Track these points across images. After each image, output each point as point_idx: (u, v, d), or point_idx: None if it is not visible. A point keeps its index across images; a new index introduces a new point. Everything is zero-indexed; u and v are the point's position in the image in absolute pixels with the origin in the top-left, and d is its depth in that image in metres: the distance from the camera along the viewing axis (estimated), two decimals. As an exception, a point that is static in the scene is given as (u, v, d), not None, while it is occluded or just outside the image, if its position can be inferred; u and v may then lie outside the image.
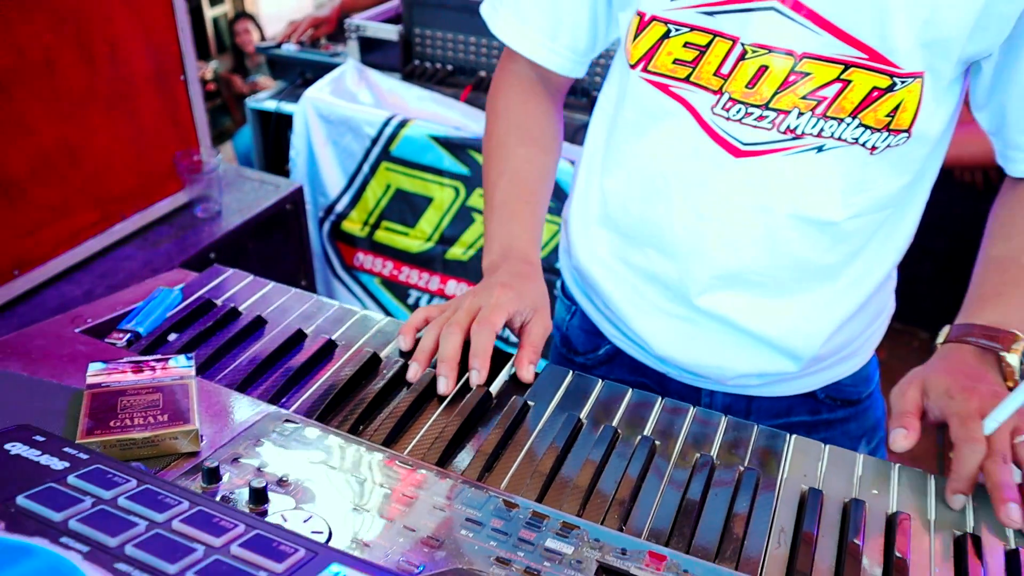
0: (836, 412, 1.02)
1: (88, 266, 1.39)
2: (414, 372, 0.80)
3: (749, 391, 0.99)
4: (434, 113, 2.14)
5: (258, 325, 0.88)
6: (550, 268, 2.06)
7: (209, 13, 4.76)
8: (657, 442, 0.74)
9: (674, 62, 0.82)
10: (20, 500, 0.40)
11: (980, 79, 0.81)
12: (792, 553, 0.64)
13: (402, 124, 2.05)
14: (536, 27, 0.95)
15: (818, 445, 0.76)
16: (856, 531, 0.66)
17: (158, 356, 0.74)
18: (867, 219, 0.86)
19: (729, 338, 0.93)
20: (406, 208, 2.14)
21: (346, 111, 2.09)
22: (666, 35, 0.81)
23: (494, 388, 0.81)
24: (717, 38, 0.79)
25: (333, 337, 0.86)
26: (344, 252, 2.26)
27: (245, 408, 0.72)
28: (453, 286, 2.17)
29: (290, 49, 2.63)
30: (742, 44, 0.77)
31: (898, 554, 0.64)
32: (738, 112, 0.80)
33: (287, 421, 0.70)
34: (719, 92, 0.80)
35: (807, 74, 0.76)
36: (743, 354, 0.93)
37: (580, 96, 2.15)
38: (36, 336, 0.81)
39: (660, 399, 0.80)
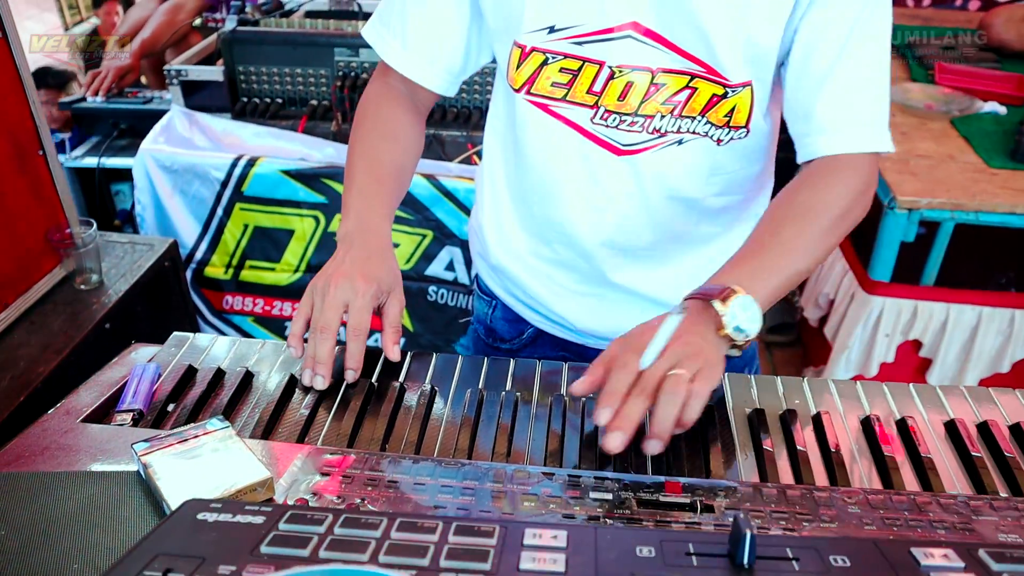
0: None
1: (-18, 362, 1.34)
2: (308, 378, 0.91)
3: None
4: (275, 147, 2.17)
5: (248, 379, 0.95)
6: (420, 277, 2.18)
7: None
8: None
9: (552, 85, 0.98)
10: (264, 549, 0.49)
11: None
12: (759, 459, 0.83)
13: (251, 163, 2.06)
14: (419, 53, 1.07)
15: (746, 377, 0.96)
16: (795, 433, 0.86)
17: (193, 425, 0.79)
18: (727, 198, 1.06)
19: (633, 305, 1.11)
20: (268, 244, 2.16)
21: (190, 158, 2.07)
22: (544, 63, 0.97)
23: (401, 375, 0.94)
24: (586, 63, 0.95)
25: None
26: (211, 298, 2.24)
27: (283, 452, 0.79)
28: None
29: (96, 101, 2.51)
30: (609, 67, 0.94)
31: (832, 448, 0.84)
32: (614, 120, 0.97)
33: (330, 454, 0.79)
34: (595, 107, 0.97)
35: (663, 84, 0.94)
36: (645, 317, 1.11)
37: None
38: (41, 435, 0.83)
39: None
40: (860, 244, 2.28)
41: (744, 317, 0.82)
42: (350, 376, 0.92)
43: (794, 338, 2.89)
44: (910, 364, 2.24)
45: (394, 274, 1.00)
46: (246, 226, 2.14)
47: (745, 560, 0.48)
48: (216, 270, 2.20)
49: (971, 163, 2.16)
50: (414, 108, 1.14)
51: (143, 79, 2.92)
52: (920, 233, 2.09)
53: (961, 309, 2.14)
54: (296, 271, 2.20)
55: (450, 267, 2.13)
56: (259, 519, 0.53)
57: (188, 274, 2.20)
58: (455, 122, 2.24)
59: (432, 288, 2.18)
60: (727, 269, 0.88)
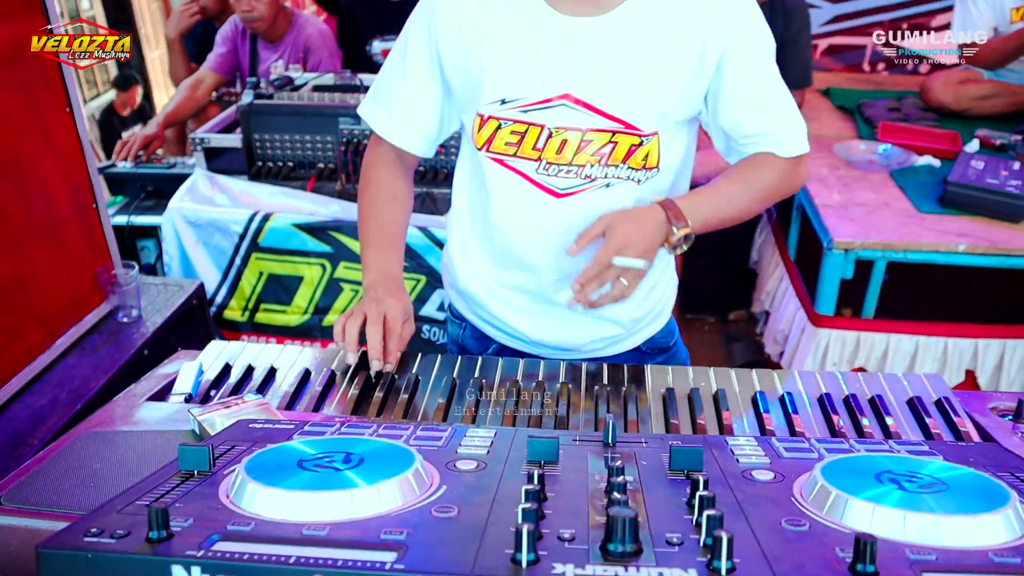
0: (656, 358, 1.47)
1: (43, 378, 1.58)
2: (377, 365, 1.19)
3: (597, 354, 1.42)
4: (287, 204, 2.45)
5: (272, 373, 1.20)
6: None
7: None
8: (569, 384, 1.16)
9: (505, 144, 1.25)
10: (295, 437, 0.74)
11: (704, 120, 1.31)
12: (666, 423, 1.08)
13: (266, 218, 2.35)
14: (402, 124, 1.35)
15: (664, 367, 1.21)
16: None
17: (234, 396, 1.05)
18: None
19: (577, 319, 1.35)
20: (281, 289, 2.43)
21: (212, 214, 2.36)
22: (499, 127, 1.24)
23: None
24: (531, 127, 1.23)
25: (332, 368, 1.20)
26: (229, 337, 2.49)
27: (302, 418, 1.04)
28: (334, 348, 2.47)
29: (126, 166, 2.82)
30: (548, 128, 1.22)
31: (725, 421, 1.09)
32: (554, 170, 1.24)
33: (338, 419, 1.04)
34: (539, 160, 1.24)
35: (591, 140, 1.21)
36: (588, 328, 1.36)
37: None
38: (114, 410, 1.08)
39: (564, 363, 1.22)
40: (809, 281, 2.55)
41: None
42: (386, 367, 1.21)
43: (762, 374, 3.13)
44: (858, 390, 2.47)
45: (410, 304, 1.31)
46: (261, 273, 2.41)
47: (610, 440, 0.73)
48: (234, 312, 2.47)
49: (903, 209, 2.44)
50: (403, 168, 1.42)
51: (160, 151, 3.22)
52: (885, 279, 2.35)
53: (899, 339, 2.39)
54: (305, 313, 2.46)
55: (441, 308, 2.39)
56: (290, 426, 0.78)
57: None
58: (445, 181, 2.53)
59: (426, 327, 2.44)
60: (686, 197, 1.24)
